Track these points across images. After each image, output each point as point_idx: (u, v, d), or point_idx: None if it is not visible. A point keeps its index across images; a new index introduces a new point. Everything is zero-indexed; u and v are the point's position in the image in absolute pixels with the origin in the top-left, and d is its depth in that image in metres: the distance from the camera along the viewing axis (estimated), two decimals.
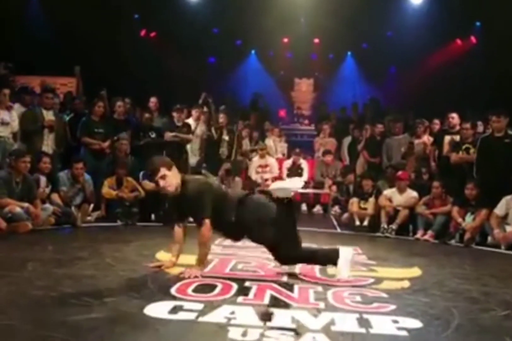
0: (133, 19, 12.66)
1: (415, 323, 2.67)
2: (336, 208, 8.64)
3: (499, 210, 6.03)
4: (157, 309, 2.72)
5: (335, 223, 7.74)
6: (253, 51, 14.50)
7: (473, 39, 12.86)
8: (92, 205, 6.85)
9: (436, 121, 8.36)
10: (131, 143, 7.76)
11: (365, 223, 7.12)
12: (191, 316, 2.63)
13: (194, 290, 3.18)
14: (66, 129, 7.46)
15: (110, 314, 2.62)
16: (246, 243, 5.19)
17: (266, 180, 8.86)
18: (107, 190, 6.86)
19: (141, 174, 7.21)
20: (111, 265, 3.93)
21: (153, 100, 8.72)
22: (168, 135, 7.89)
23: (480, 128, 8.07)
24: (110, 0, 11.09)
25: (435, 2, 11.99)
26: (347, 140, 9.62)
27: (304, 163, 9.18)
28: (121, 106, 7.80)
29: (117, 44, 11.02)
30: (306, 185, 8.89)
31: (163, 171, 3.67)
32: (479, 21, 12.44)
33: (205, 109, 8.92)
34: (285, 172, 9.07)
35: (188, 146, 8.22)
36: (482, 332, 2.60)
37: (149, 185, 6.97)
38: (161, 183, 3.67)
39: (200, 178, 4.08)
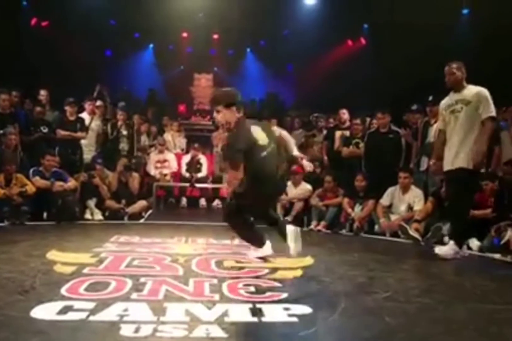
0: (21, 6, 11.85)
1: (305, 309, 2.78)
2: None
3: (384, 200, 6.38)
4: (45, 311, 2.61)
5: None
6: (151, 45, 14.21)
7: (362, 40, 13.52)
8: None
9: (331, 120, 8.71)
10: (21, 138, 7.29)
11: None
12: (82, 315, 2.56)
13: (86, 289, 3.08)
14: None
15: None
16: (142, 239, 5.22)
17: (165, 175, 8.77)
18: None
19: (31, 170, 6.83)
20: None
21: (43, 93, 8.28)
22: (60, 133, 7.59)
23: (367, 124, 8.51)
24: None
25: (327, 3, 12.47)
26: None
27: (203, 159, 9.17)
28: (5, 100, 7.29)
29: (5, 33, 10.27)
30: (205, 180, 8.96)
31: (220, 107, 3.99)
32: (366, 23, 13.12)
33: (99, 103, 8.61)
34: (184, 167, 9.03)
35: (83, 141, 7.91)
36: (365, 314, 2.77)
37: (40, 181, 6.71)
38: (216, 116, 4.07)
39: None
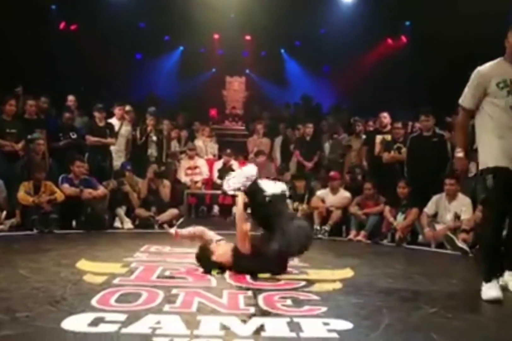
0: (50, 10, 11.82)
1: (346, 325, 2.65)
2: None
3: (429, 208, 6.13)
4: (76, 322, 2.54)
5: None
6: (181, 48, 14.08)
7: (403, 38, 13.08)
8: (5, 212, 6.38)
9: (371, 123, 8.41)
10: (49, 144, 7.28)
11: None
12: (113, 328, 2.48)
13: (117, 300, 3.01)
14: None
15: (24, 331, 2.43)
16: (174, 249, 5.09)
17: (196, 182, 8.58)
18: (23, 195, 6.40)
19: (60, 177, 6.80)
20: (25, 276, 3.62)
21: (71, 99, 8.28)
22: (90, 140, 7.53)
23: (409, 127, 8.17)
24: None
25: (366, 0, 12.09)
26: (279, 140, 9.48)
27: (235, 165, 8.92)
28: (32, 105, 7.28)
29: (34, 37, 10.27)
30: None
31: None
32: (408, 20, 12.66)
33: (128, 107, 8.46)
34: (216, 174, 8.80)
35: (112, 148, 7.83)
36: (410, 330, 2.62)
37: (69, 189, 6.66)
38: None
39: None
